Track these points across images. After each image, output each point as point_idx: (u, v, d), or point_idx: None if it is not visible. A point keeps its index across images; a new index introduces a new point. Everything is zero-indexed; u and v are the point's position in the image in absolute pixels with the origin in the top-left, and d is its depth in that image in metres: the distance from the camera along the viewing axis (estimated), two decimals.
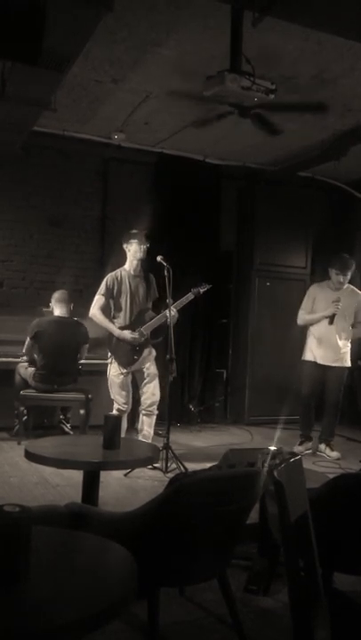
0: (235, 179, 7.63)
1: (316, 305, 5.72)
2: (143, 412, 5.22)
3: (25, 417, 5.70)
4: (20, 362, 5.85)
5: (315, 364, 5.73)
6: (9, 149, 5.95)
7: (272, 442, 5.86)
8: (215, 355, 7.63)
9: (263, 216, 7.53)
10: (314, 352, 5.73)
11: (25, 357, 5.80)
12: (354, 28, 3.64)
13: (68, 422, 6.22)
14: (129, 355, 5.14)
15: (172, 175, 7.12)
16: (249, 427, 7.13)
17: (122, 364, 5.15)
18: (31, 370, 5.70)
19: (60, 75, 4.18)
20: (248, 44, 3.90)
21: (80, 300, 6.52)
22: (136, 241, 5.18)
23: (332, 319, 5.51)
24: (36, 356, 5.70)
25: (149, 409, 5.18)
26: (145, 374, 5.21)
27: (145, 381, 5.21)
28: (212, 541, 2.41)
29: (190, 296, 5.24)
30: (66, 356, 5.70)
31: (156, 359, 5.33)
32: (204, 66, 4.49)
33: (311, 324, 5.75)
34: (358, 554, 2.57)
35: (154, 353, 5.27)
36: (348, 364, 5.76)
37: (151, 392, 5.18)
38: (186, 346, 7.21)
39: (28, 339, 5.67)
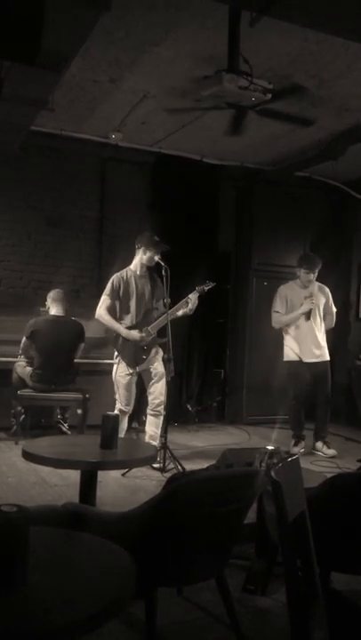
0: (233, 179, 7.63)
1: (289, 305, 5.85)
2: (150, 412, 5.19)
3: (22, 417, 5.69)
4: (18, 361, 5.84)
5: (299, 362, 5.82)
6: (7, 149, 5.94)
7: (269, 442, 5.87)
8: (213, 355, 7.64)
9: (261, 216, 7.54)
10: (296, 351, 5.83)
11: (22, 357, 5.79)
12: (352, 27, 3.64)
13: (65, 422, 6.22)
14: (137, 354, 5.12)
15: (170, 175, 7.11)
16: (246, 426, 7.13)
17: (130, 364, 5.12)
18: (29, 369, 5.69)
19: (57, 75, 4.18)
20: (246, 44, 3.90)
21: (78, 300, 6.53)
22: (155, 251, 5.16)
23: (308, 315, 5.71)
24: (33, 355, 5.70)
25: (157, 409, 5.15)
26: (152, 374, 5.18)
27: (153, 381, 5.19)
28: (209, 541, 2.42)
29: (195, 294, 5.26)
30: (63, 355, 5.69)
31: None
32: (201, 65, 4.50)
33: (288, 325, 5.85)
34: (356, 553, 2.58)
35: (161, 353, 5.23)
36: (328, 357, 5.90)
37: (159, 392, 5.15)
38: (184, 346, 7.21)
39: (25, 338, 5.67)
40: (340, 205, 8.02)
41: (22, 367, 5.77)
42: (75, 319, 5.80)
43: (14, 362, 5.85)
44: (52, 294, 5.86)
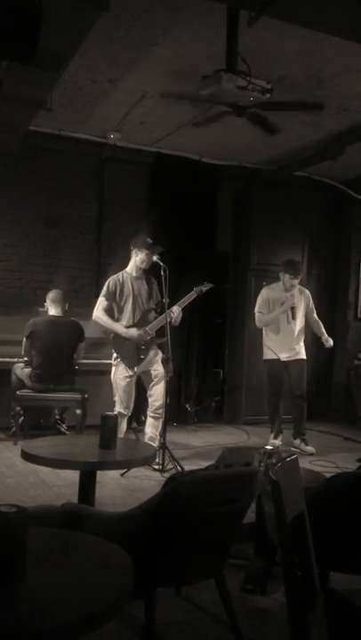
0: (231, 178, 7.62)
1: (270, 306, 6.07)
2: (151, 414, 5.18)
3: (21, 417, 5.68)
4: (17, 362, 5.83)
5: (278, 360, 6.02)
6: (5, 149, 5.94)
7: (268, 441, 5.88)
8: (212, 354, 7.64)
9: (260, 216, 7.53)
10: (275, 350, 6.03)
11: (25, 358, 5.78)
12: (350, 27, 3.64)
13: (64, 422, 6.21)
14: (135, 355, 5.10)
15: (169, 175, 7.11)
16: (245, 426, 7.13)
17: (129, 365, 5.11)
18: (27, 370, 5.69)
19: (56, 75, 4.18)
20: (244, 44, 3.90)
21: (76, 300, 6.51)
22: (148, 252, 5.14)
23: (293, 314, 5.93)
24: (33, 355, 5.69)
25: (158, 411, 5.13)
26: (153, 376, 5.17)
27: (153, 383, 5.17)
28: (208, 541, 2.42)
29: (193, 294, 5.25)
30: (61, 355, 5.68)
31: None
32: (200, 65, 4.50)
33: (269, 324, 6.06)
34: (355, 553, 2.57)
35: (160, 354, 5.22)
36: (305, 356, 6.10)
37: (160, 394, 5.13)
38: (182, 345, 7.21)
39: (25, 339, 5.66)
40: (338, 205, 8.03)
41: (21, 369, 5.76)
42: (74, 319, 5.79)
43: (13, 362, 5.85)
44: (50, 295, 5.85)
